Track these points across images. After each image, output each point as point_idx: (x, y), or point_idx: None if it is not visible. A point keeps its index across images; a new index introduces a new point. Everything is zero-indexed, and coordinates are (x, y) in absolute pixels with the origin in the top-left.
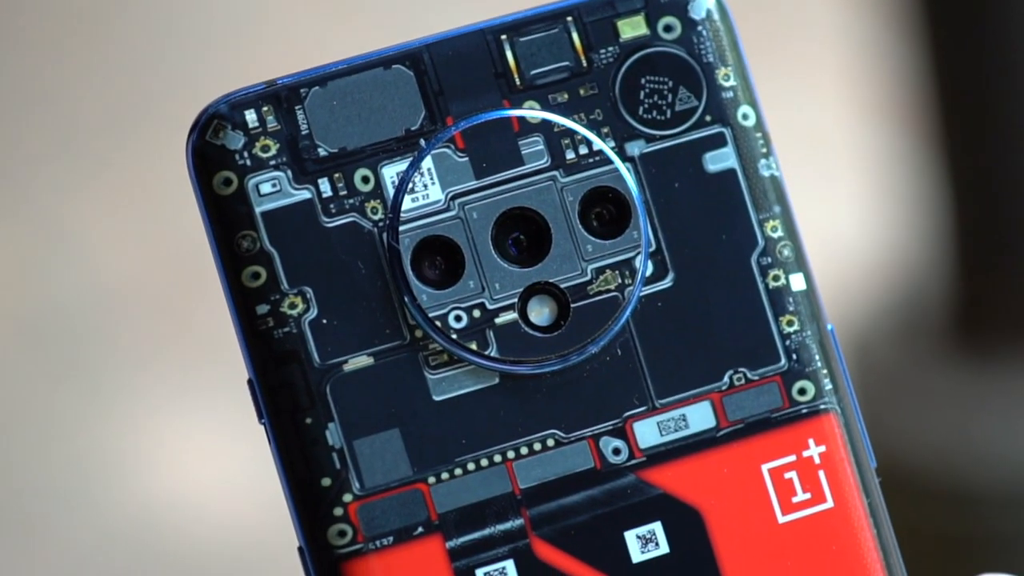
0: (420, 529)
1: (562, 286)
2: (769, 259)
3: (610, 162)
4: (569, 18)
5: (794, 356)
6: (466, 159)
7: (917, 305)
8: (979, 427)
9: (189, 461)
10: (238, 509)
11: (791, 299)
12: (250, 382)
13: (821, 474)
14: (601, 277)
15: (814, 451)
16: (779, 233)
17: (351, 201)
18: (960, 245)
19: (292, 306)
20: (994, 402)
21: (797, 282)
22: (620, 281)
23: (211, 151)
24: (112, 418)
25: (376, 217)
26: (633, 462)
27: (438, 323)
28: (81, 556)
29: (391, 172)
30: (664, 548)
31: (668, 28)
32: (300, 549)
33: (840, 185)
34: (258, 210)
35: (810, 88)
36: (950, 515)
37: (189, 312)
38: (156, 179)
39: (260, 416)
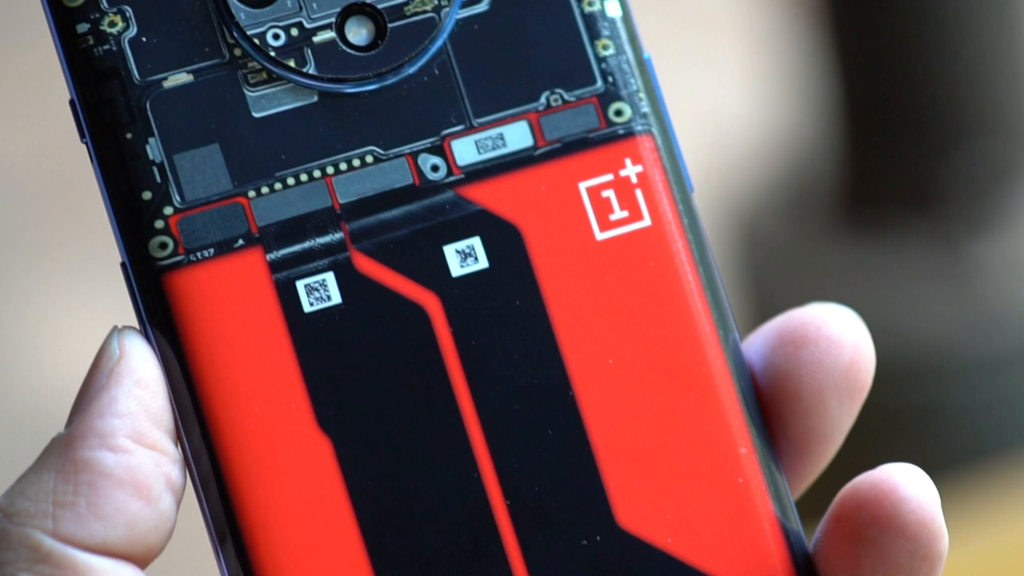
0: (241, 241)
1: (379, 6)
2: None
3: None
4: None
5: (610, 79)
6: None
7: (805, 181)
8: (868, 300)
9: (86, 348)
10: None
11: (606, 24)
12: (71, 102)
13: (638, 192)
14: None
15: (631, 170)
16: None
17: None
18: (847, 121)
19: (112, 24)
20: (882, 275)
21: (612, 8)
22: (436, 3)
23: None
24: (7, 307)
25: None
26: (451, 179)
27: (256, 41)
28: None
29: None
30: (483, 263)
31: None
32: (122, 264)
33: (728, 63)
34: None
35: None
36: None
37: (83, 200)
38: (43, 67)
39: (82, 136)
